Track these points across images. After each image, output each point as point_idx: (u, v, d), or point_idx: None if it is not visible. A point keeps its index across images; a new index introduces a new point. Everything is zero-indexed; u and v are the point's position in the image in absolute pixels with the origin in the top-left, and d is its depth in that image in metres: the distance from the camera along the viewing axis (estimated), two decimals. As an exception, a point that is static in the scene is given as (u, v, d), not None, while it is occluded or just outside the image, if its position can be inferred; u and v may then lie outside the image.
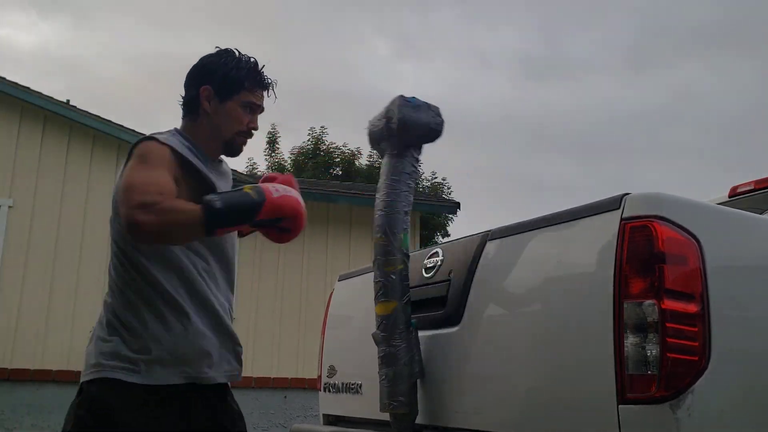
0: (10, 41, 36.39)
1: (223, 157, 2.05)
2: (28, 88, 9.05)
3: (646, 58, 44.70)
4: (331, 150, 21.88)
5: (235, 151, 2.00)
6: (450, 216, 20.20)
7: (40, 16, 39.80)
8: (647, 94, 43.81)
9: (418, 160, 2.28)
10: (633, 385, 1.61)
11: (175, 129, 1.98)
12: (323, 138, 22.09)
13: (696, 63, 46.76)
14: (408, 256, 2.26)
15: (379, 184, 2.30)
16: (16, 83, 9.00)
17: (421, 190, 20.45)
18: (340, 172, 21.31)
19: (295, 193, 1.81)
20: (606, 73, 44.10)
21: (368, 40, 40.00)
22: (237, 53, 1.98)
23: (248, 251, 9.52)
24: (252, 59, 1.98)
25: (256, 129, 2.00)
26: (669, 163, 42.52)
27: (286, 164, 21.96)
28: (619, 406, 1.61)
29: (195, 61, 2.01)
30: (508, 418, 1.93)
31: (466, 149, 37.33)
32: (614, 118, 44.33)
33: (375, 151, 2.41)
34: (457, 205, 11.45)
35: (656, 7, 45.04)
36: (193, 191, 1.81)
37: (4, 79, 8.91)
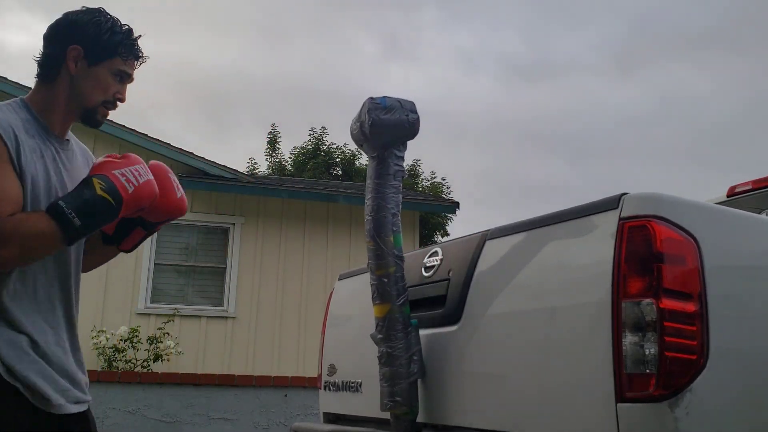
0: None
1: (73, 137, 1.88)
2: (30, 88, 9.04)
3: (635, 60, 44.83)
4: (332, 150, 21.88)
5: (94, 122, 1.81)
6: (449, 215, 20.19)
7: (29, 16, 39.78)
8: (636, 96, 43.93)
9: (401, 158, 2.24)
10: (632, 384, 1.61)
11: (20, 99, 1.79)
12: (324, 138, 22.10)
13: (684, 64, 46.85)
14: (401, 258, 2.24)
15: (366, 188, 2.28)
16: (17, 83, 9.00)
17: (420, 189, 20.46)
18: (340, 172, 21.31)
19: (144, 174, 1.70)
20: (595, 75, 44.23)
21: (358, 40, 40.06)
22: (110, 15, 1.81)
23: (249, 248, 9.54)
24: (127, 25, 1.82)
25: (122, 101, 1.82)
26: (658, 164, 42.60)
27: (286, 164, 21.98)
28: (618, 405, 1.62)
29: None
30: (506, 416, 1.94)
31: (457, 149, 37.41)
32: (603, 119, 44.50)
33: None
34: (457, 204, 11.45)
35: (644, 9, 45.16)
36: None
37: (5, 78, 8.92)
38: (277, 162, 22.12)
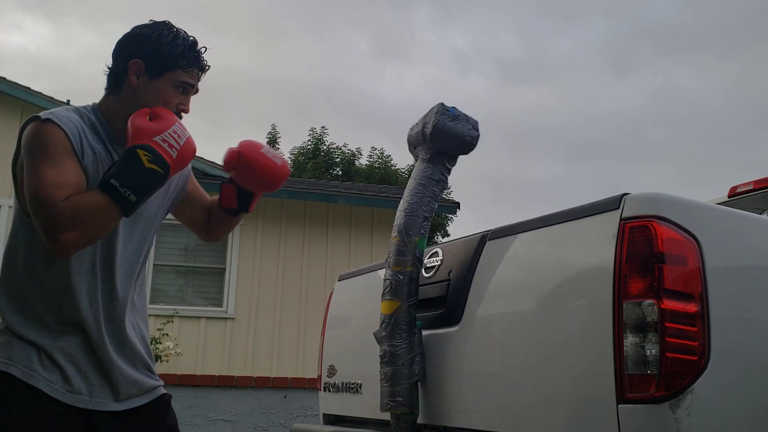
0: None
1: None
2: (28, 88, 9.04)
3: (627, 60, 44.92)
4: (332, 150, 21.89)
5: None
6: (450, 216, 20.20)
7: (26, 16, 39.82)
8: (633, 96, 44.01)
9: (449, 170, 2.31)
10: (632, 385, 1.61)
11: (92, 104, 1.83)
12: (324, 138, 22.11)
13: (676, 64, 46.92)
14: (421, 261, 2.29)
15: (407, 186, 2.34)
16: (16, 83, 9.00)
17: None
18: (340, 172, 21.33)
19: (183, 134, 1.69)
20: (591, 74, 44.32)
21: (351, 40, 40.12)
22: (174, 28, 1.82)
23: (249, 249, 9.53)
24: (191, 37, 1.82)
25: (186, 112, 1.83)
26: (657, 164, 42.66)
27: (286, 164, 22.00)
28: (619, 405, 1.61)
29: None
30: (507, 417, 1.94)
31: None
32: (601, 119, 44.59)
33: (411, 156, 2.46)
34: (457, 205, 11.44)
35: (641, 8, 45.25)
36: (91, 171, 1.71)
37: (4, 79, 8.91)
38: (277, 162, 22.13)
